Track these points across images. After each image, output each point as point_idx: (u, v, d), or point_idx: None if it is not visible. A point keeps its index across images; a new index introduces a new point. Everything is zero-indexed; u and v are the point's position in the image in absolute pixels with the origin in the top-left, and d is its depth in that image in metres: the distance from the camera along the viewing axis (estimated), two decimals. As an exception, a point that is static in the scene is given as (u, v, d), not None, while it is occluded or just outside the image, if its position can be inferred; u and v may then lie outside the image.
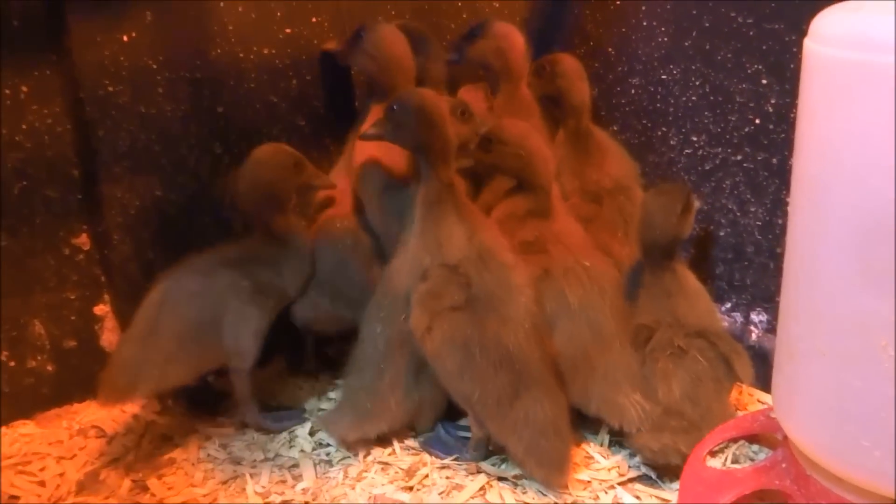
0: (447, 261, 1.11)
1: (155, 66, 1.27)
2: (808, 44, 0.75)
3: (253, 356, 1.22)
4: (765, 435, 1.13)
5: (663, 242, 1.19)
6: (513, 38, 1.37)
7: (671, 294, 1.20)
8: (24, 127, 1.23)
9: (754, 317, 1.33)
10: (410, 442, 1.24)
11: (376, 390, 1.18)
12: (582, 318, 1.15)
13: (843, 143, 0.69)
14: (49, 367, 1.34)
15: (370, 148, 1.27)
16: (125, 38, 1.24)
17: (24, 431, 1.30)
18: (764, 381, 1.23)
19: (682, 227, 1.20)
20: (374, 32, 1.28)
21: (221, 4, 1.30)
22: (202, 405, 1.32)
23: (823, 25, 0.74)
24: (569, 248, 1.20)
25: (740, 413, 1.22)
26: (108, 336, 1.37)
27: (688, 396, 1.13)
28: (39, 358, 1.33)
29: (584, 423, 1.22)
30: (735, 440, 1.14)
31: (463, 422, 1.24)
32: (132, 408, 1.35)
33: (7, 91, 1.20)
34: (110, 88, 1.25)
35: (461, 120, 1.23)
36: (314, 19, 1.38)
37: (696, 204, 1.23)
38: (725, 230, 1.34)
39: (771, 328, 1.30)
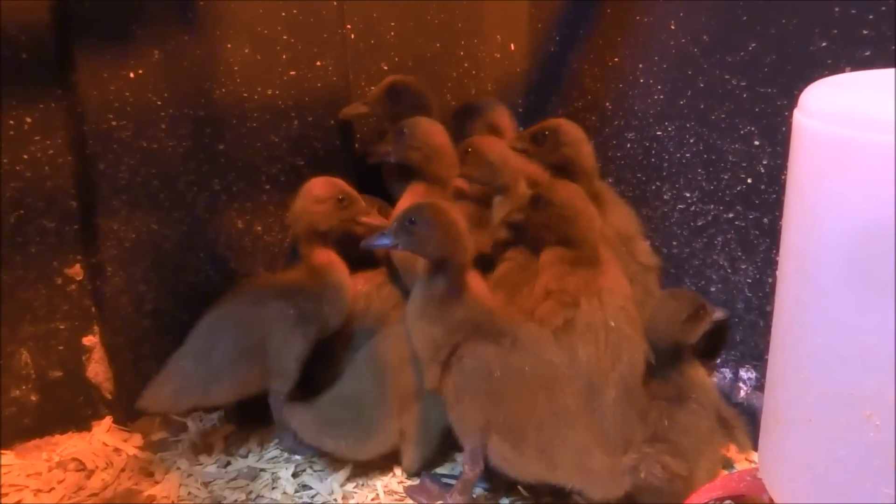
0: (448, 326, 1.13)
1: (159, 103, 1.29)
2: (798, 116, 0.77)
3: (293, 379, 1.27)
4: (751, 496, 1.12)
5: (665, 347, 1.23)
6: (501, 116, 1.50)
7: (681, 391, 1.22)
8: (25, 157, 1.24)
9: (743, 374, 1.33)
10: (395, 487, 1.23)
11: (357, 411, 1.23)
12: (584, 378, 1.16)
13: (829, 217, 0.71)
14: (32, 397, 1.33)
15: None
16: (132, 75, 1.26)
17: (2, 462, 1.28)
18: (752, 438, 1.23)
19: (687, 334, 1.23)
20: (416, 127, 1.37)
21: (229, 46, 1.32)
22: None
23: (812, 99, 0.76)
24: (604, 305, 1.20)
25: (728, 471, 1.21)
26: (95, 367, 1.36)
27: (679, 429, 1.15)
28: (24, 387, 1.32)
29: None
30: (721, 500, 1.13)
31: (441, 470, 1.26)
32: (114, 441, 1.34)
33: (11, 122, 1.22)
34: (114, 123, 1.26)
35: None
36: (318, 63, 1.41)
37: (719, 314, 1.26)
38: (716, 286, 1.35)
39: (760, 385, 1.30)
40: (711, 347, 1.34)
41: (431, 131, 1.37)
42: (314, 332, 1.28)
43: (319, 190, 1.27)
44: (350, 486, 1.23)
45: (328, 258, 1.30)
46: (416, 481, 1.24)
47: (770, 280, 1.26)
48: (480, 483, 1.20)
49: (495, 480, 1.21)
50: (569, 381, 1.12)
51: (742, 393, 1.33)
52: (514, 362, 1.08)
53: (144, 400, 1.23)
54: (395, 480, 1.25)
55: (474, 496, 1.18)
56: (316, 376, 1.35)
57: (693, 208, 1.37)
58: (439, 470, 1.27)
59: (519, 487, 1.20)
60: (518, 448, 1.07)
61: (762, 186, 1.26)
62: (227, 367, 1.23)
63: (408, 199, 1.36)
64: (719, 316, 1.27)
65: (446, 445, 1.26)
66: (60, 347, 1.33)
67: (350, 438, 1.22)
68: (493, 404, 1.08)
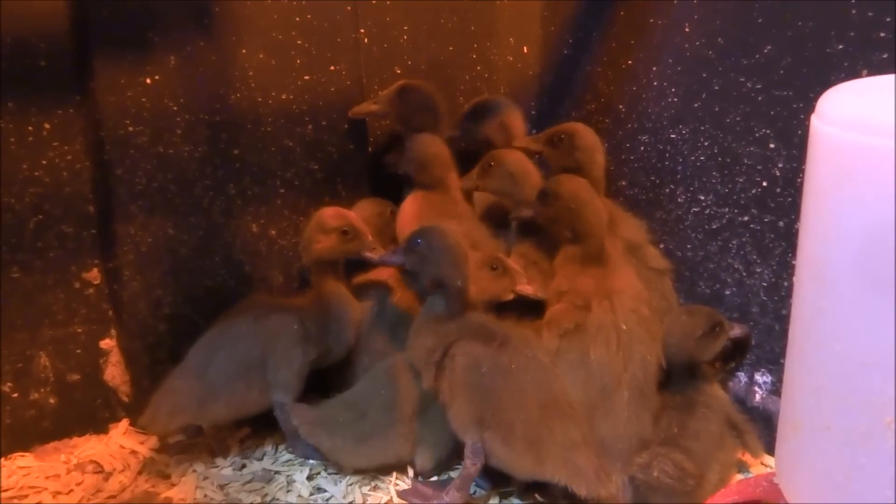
0: (439, 335, 1.15)
1: (175, 109, 1.30)
2: (815, 122, 0.77)
3: (294, 391, 1.27)
4: (767, 502, 1.11)
5: (679, 362, 1.22)
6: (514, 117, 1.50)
7: (691, 399, 1.21)
8: (44, 163, 1.25)
9: (758, 377, 1.32)
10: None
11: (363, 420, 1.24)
12: (597, 380, 1.16)
13: (847, 224, 0.70)
14: (51, 400, 1.34)
15: (411, 216, 1.39)
16: (148, 81, 1.27)
17: (21, 464, 1.30)
18: (767, 442, 1.23)
19: (702, 351, 1.22)
20: (414, 141, 1.41)
21: (243, 51, 1.33)
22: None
23: (829, 105, 0.75)
24: (615, 307, 1.21)
25: (744, 475, 1.21)
26: (112, 371, 1.38)
27: (689, 434, 1.15)
28: (42, 390, 1.33)
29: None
30: (736, 506, 1.12)
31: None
32: (131, 444, 1.35)
33: (30, 128, 1.23)
34: (131, 129, 1.28)
35: (494, 275, 1.26)
36: (332, 67, 1.42)
37: (737, 332, 1.25)
38: (731, 289, 1.34)
39: (775, 390, 1.30)
40: (731, 356, 1.33)
41: (426, 143, 1.41)
42: (314, 354, 1.28)
43: (326, 220, 1.28)
44: (364, 489, 1.23)
45: (336, 290, 1.31)
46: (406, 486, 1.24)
47: (786, 283, 1.26)
48: (480, 482, 1.21)
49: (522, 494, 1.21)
50: (557, 380, 1.13)
51: (757, 397, 1.33)
52: (503, 359, 1.11)
53: (143, 420, 1.24)
54: (408, 481, 1.25)
55: (472, 494, 1.18)
56: (331, 380, 1.36)
57: (708, 211, 1.37)
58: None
59: (535, 495, 1.20)
60: (509, 444, 1.09)
61: (777, 189, 1.25)
62: (223, 384, 1.23)
63: (407, 203, 1.42)
64: (737, 333, 1.26)
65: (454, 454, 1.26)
66: (78, 351, 1.35)
67: (348, 440, 1.23)
68: (484, 399, 1.10)
